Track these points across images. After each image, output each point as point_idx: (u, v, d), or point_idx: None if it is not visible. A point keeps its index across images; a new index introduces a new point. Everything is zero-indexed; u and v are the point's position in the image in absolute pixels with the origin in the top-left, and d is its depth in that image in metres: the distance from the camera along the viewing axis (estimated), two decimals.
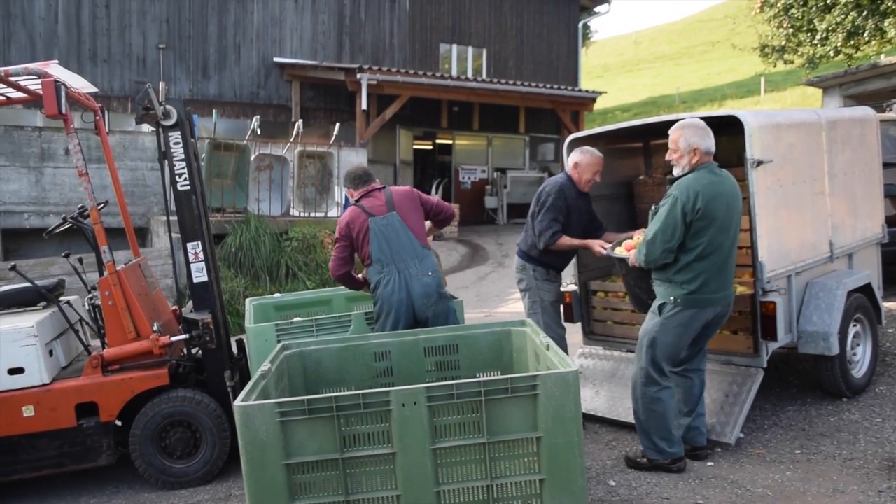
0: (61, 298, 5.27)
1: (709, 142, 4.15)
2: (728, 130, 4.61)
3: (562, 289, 5.47)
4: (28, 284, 5.12)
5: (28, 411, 4.66)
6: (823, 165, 5.27)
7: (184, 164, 4.85)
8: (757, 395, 4.71)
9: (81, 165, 4.75)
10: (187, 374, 4.97)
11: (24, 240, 12.50)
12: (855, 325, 5.29)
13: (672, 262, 4.12)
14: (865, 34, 19.97)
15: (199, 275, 4.92)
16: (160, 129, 4.84)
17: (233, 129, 15.99)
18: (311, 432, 3.11)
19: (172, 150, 4.83)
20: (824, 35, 20.63)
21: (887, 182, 6.45)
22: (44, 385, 4.70)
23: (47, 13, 15.00)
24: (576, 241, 5.06)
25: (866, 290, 5.41)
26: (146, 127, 8.97)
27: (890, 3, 19.03)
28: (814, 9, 21.05)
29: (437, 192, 16.43)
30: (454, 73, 19.65)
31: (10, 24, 14.71)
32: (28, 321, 4.74)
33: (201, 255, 4.91)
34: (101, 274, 4.95)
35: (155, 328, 4.82)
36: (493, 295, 11.05)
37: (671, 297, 4.14)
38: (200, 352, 4.97)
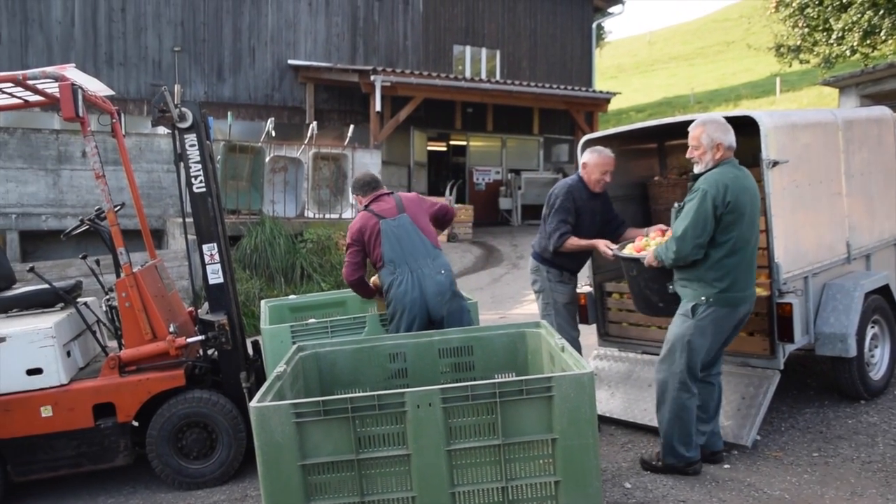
0: (79, 300, 5.31)
1: (731, 137, 4.13)
2: (743, 131, 4.58)
3: (577, 290, 5.45)
4: (46, 286, 5.16)
5: (46, 411, 4.69)
6: (840, 166, 5.23)
7: (199, 166, 4.87)
8: (774, 397, 4.68)
9: (98, 168, 4.79)
10: (203, 375, 4.99)
11: (42, 242, 12.60)
12: (873, 327, 5.25)
13: (702, 258, 4.06)
14: (882, 33, 19.80)
15: (215, 276, 4.94)
16: (176, 132, 4.87)
17: (247, 132, 16.07)
18: (327, 433, 3.11)
19: (188, 153, 4.86)
20: (840, 34, 20.47)
21: None
22: (62, 385, 4.73)
23: (64, 17, 15.13)
24: (583, 242, 5.03)
25: (884, 291, 5.37)
26: (162, 129, 9.03)
27: None
28: (829, 8, 20.90)
29: (451, 194, 16.44)
30: (468, 74, 19.65)
31: (27, 28, 14.85)
32: (46, 322, 4.78)
33: (217, 257, 4.93)
34: (117, 275, 4.98)
35: (171, 329, 4.84)
36: (508, 296, 11.04)
37: (703, 298, 4.08)
38: (216, 353, 4.99)
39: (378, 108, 15.55)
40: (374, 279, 5.07)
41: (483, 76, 19.86)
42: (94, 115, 5.26)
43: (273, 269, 11.58)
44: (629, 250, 4.71)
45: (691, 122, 4.31)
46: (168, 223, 12.92)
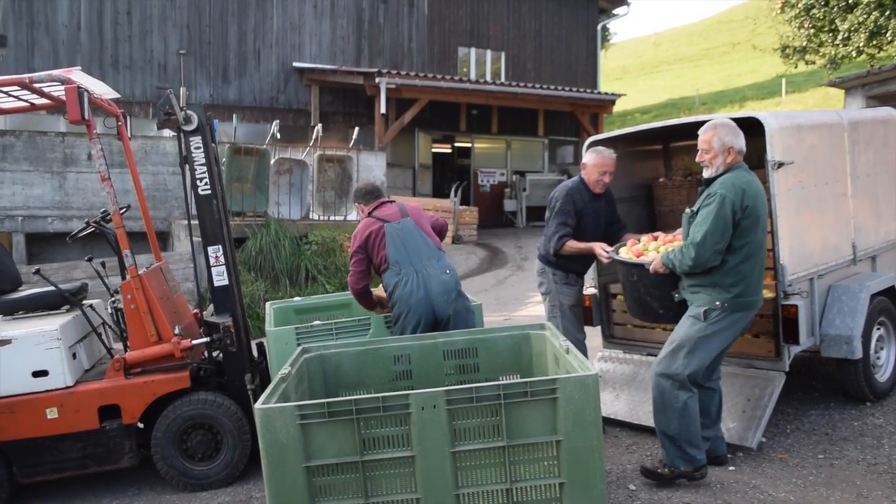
0: (84, 302, 5.32)
1: (741, 141, 4.09)
2: (749, 132, 4.56)
3: (585, 292, 5.44)
4: (52, 288, 5.17)
5: (52, 413, 4.71)
6: (846, 167, 5.22)
7: (205, 168, 4.88)
8: (779, 399, 4.66)
9: (104, 170, 4.80)
10: (208, 377, 5.00)
11: (48, 244, 12.66)
12: (879, 329, 5.23)
13: (718, 264, 3.99)
14: (888, 34, 19.74)
15: (220, 278, 4.95)
16: (181, 134, 4.88)
17: (253, 134, 16.11)
18: (331, 435, 3.12)
19: (193, 155, 4.87)
20: (846, 35, 20.43)
21: None
22: (67, 387, 4.74)
23: (70, 20, 15.19)
24: (581, 245, 5.01)
25: (890, 292, 5.36)
26: (167, 132, 9.06)
27: None
28: (835, 9, 20.86)
29: (456, 196, 16.44)
30: (473, 76, 19.68)
31: (33, 32, 14.91)
32: (52, 324, 4.79)
33: (222, 259, 4.94)
34: (123, 278, 5.00)
35: (176, 331, 4.85)
36: (513, 298, 11.03)
37: (717, 302, 4.01)
38: (221, 355, 5.00)
39: (383, 110, 15.57)
40: (377, 291, 5.07)
41: (488, 78, 19.87)
42: (100, 117, 5.28)
43: (278, 271, 11.60)
44: (626, 253, 4.67)
45: (697, 123, 4.30)
46: (173, 225, 12.96)
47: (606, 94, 19.39)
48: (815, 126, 5.00)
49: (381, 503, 3.15)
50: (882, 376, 5.27)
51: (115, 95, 5.59)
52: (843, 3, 20.55)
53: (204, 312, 5.35)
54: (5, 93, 5.04)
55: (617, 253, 4.73)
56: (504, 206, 20.01)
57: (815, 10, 21.49)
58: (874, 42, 20.23)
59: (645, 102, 33.09)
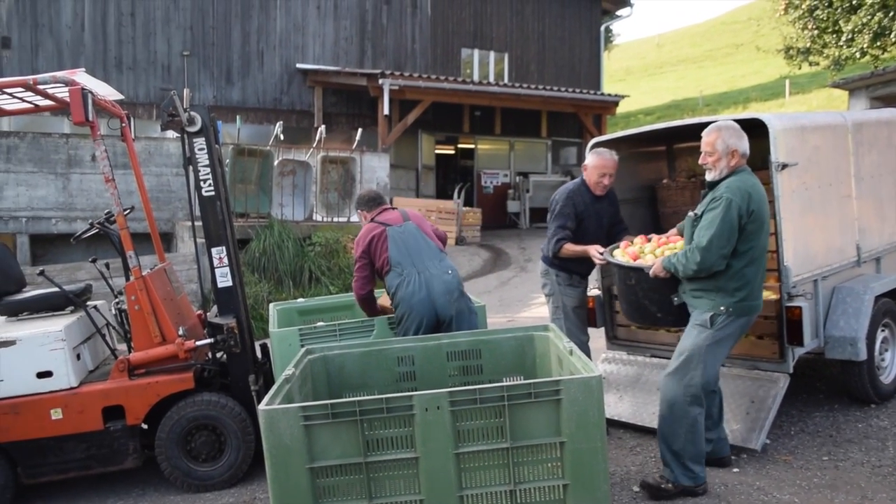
0: (88, 303, 5.33)
1: (745, 143, 4.05)
2: (752, 133, 4.56)
3: (588, 293, 5.43)
4: (56, 289, 5.18)
5: (56, 414, 4.72)
6: (850, 168, 5.21)
7: (208, 169, 4.89)
8: (783, 400, 4.66)
9: (108, 171, 4.81)
10: (212, 377, 5.01)
11: (52, 245, 12.67)
12: (883, 331, 5.22)
13: (723, 269, 3.94)
14: (892, 35, 19.69)
15: (224, 279, 4.96)
16: (185, 136, 4.89)
17: (256, 135, 16.13)
18: (335, 436, 3.12)
19: (197, 156, 4.88)
20: (850, 36, 20.38)
21: None
22: (71, 388, 4.75)
23: (74, 22, 15.22)
24: (577, 248, 5.00)
25: (894, 294, 5.35)
26: (171, 133, 9.07)
27: None
28: (839, 10, 20.81)
29: (459, 197, 16.44)
30: (476, 77, 19.68)
31: (37, 33, 14.94)
32: (56, 325, 4.80)
33: (226, 260, 4.95)
34: (127, 279, 5.01)
35: (180, 332, 4.86)
36: (516, 299, 11.03)
37: (721, 308, 3.97)
38: (225, 356, 5.00)
39: (386, 111, 15.58)
40: (381, 300, 5.07)
41: (491, 79, 19.87)
42: (104, 119, 5.29)
43: (281, 273, 11.61)
44: (621, 255, 4.64)
45: (701, 125, 4.28)
46: (177, 227, 12.98)
47: (610, 95, 19.38)
48: (819, 127, 4.99)
49: None
50: (886, 378, 5.26)
51: (119, 97, 5.61)
52: (847, 5, 20.50)
53: (208, 313, 5.35)
54: (10, 94, 5.05)
55: (611, 255, 4.69)
56: (507, 207, 20.00)
57: (818, 12, 21.44)
58: (878, 43, 20.18)
59: (648, 104, 33.07)
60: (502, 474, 3.15)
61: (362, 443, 3.11)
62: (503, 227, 19.26)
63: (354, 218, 13.22)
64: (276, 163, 12.66)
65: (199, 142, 4.87)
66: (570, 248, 5.02)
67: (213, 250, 4.94)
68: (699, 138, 4.16)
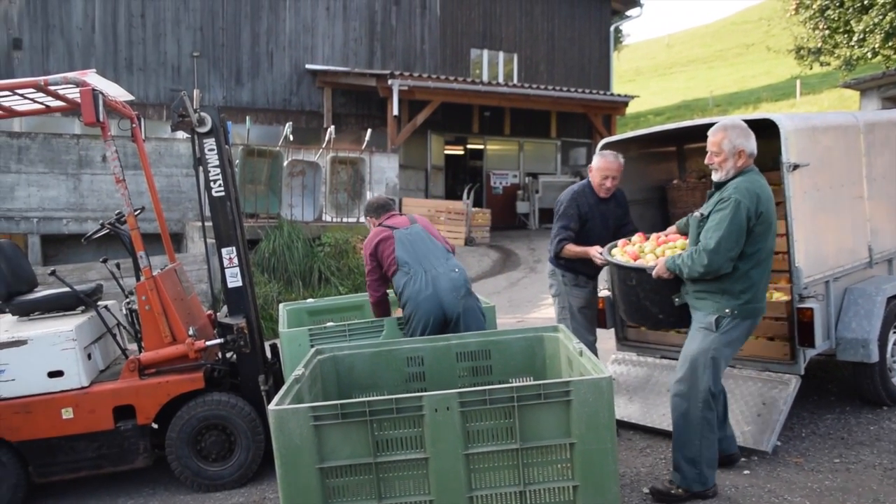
0: (99, 303, 5.35)
1: (752, 143, 3.96)
2: (763, 134, 4.54)
3: (598, 294, 5.41)
4: (67, 289, 5.21)
5: (67, 413, 4.74)
6: (862, 169, 5.18)
7: (218, 170, 4.90)
8: (794, 402, 4.63)
9: (118, 172, 4.83)
10: (222, 377, 5.02)
11: (63, 245, 12.74)
12: (895, 332, 5.19)
13: (730, 271, 3.87)
14: None
15: (234, 280, 4.97)
16: (195, 136, 4.91)
17: (266, 136, 16.17)
18: (345, 436, 3.12)
19: (207, 157, 4.89)
20: (861, 36, 20.26)
21: None
22: (82, 388, 4.77)
23: (84, 23, 15.29)
24: (578, 249, 5.00)
25: None
26: (181, 134, 9.09)
27: None
28: (850, 10, 20.70)
29: (468, 198, 16.44)
30: (485, 78, 19.68)
31: (48, 35, 15.02)
32: (67, 325, 4.82)
33: (236, 261, 4.96)
34: (137, 279, 5.02)
35: (190, 332, 4.88)
36: (525, 300, 11.02)
37: (727, 310, 3.90)
38: (235, 356, 5.01)
39: (395, 111, 15.60)
40: (397, 313, 5.07)
41: (500, 80, 19.87)
42: (115, 119, 5.31)
43: (291, 273, 11.63)
44: (621, 255, 4.59)
45: (710, 125, 4.25)
46: (187, 227, 13.02)
47: (619, 95, 19.35)
48: (831, 128, 4.97)
49: None
50: None
51: (130, 98, 5.63)
52: (859, 4, 20.38)
53: (218, 314, 5.37)
54: (21, 95, 5.08)
55: (609, 254, 4.65)
56: (517, 208, 20.00)
57: (829, 11, 21.33)
58: (890, 43, 20.04)
59: (658, 104, 33.00)
60: (512, 475, 3.15)
61: (372, 443, 3.11)
62: (512, 228, 19.25)
63: (364, 218, 13.24)
64: (285, 163, 12.68)
65: (210, 142, 4.88)
66: (572, 248, 5.02)
67: (223, 250, 4.95)
68: None
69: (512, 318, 9.39)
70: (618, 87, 24.95)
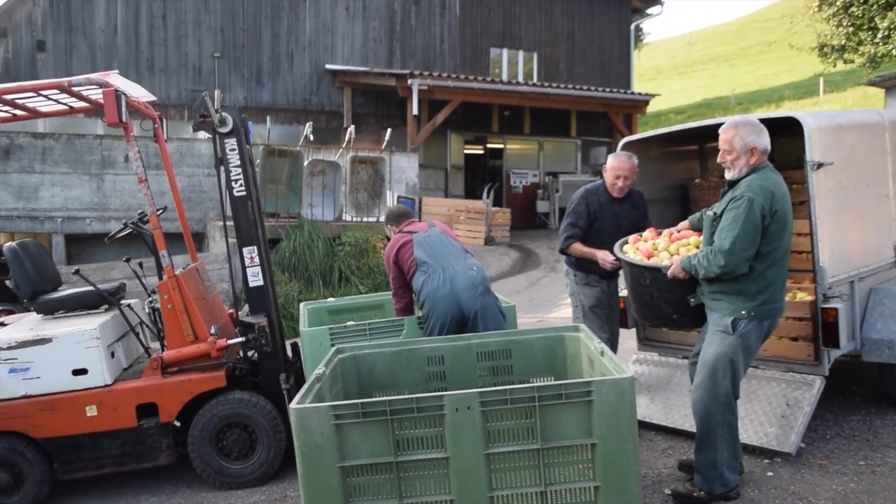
0: (122, 302, 5.40)
1: (766, 139, 3.86)
2: (786, 132, 4.50)
3: (619, 294, 5.38)
4: (91, 288, 5.26)
5: (91, 411, 4.78)
6: (887, 167, 5.12)
7: (239, 170, 4.93)
8: (818, 404, 4.58)
9: (141, 172, 4.87)
10: (243, 376, 5.05)
11: (87, 244, 12.87)
12: None
13: (746, 271, 3.78)
14: None
15: (255, 279, 4.99)
16: (216, 137, 4.93)
17: (286, 136, 16.25)
18: (366, 435, 3.12)
19: (228, 157, 4.92)
20: (886, 33, 20.03)
21: None
22: (106, 386, 4.82)
23: (107, 25, 15.45)
24: (586, 250, 5.00)
25: None
26: (202, 134, 9.15)
27: None
28: (875, 6, 20.46)
29: (488, 197, 16.43)
30: (505, 77, 19.65)
31: (71, 36, 15.19)
32: (91, 324, 4.87)
33: (257, 260, 4.98)
34: (160, 278, 5.06)
35: (212, 331, 4.90)
36: (546, 300, 10.99)
37: (743, 311, 3.82)
38: (256, 355, 5.04)
39: (415, 111, 15.62)
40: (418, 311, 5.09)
41: (520, 79, 19.83)
42: (137, 120, 5.35)
43: (311, 272, 11.67)
44: (633, 252, 4.49)
45: None
46: (209, 226, 13.11)
47: (640, 94, 19.24)
48: (856, 126, 4.91)
49: None
50: None
51: (152, 98, 5.67)
52: (883, 1, 20.15)
53: (239, 312, 5.40)
54: (45, 96, 5.13)
55: (621, 251, 4.55)
56: (537, 207, 19.94)
57: (853, 8, 21.10)
58: None
59: (679, 103, 32.78)
60: (533, 475, 3.14)
61: (392, 442, 3.12)
62: (532, 228, 19.20)
63: (384, 218, 13.26)
64: (305, 163, 12.74)
65: (231, 142, 4.91)
66: (579, 248, 5.03)
67: (245, 250, 4.98)
68: None
69: (532, 318, 9.37)
70: (638, 85, 24.82)
